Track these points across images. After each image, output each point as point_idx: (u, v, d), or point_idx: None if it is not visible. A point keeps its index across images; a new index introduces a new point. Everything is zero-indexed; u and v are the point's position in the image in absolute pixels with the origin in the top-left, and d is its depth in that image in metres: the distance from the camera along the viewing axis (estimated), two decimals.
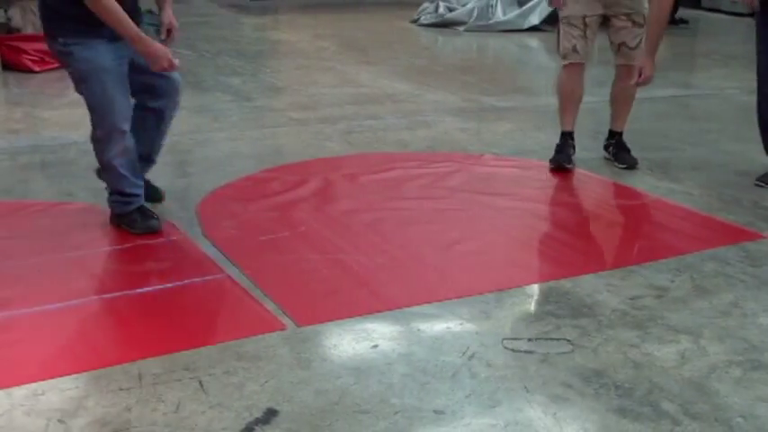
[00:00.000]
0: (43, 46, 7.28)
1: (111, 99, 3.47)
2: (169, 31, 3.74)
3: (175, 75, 3.70)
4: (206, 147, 4.90)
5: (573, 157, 4.72)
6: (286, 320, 2.92)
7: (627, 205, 4.26)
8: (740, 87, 6.78)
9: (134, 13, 3.50)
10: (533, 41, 9.74)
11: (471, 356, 2.70)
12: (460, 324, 2.91)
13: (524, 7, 10.39)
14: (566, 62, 4.64)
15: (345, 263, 3.40)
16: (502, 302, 3.09)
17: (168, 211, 3.92)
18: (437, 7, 10.78)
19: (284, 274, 3.31)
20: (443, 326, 2.90)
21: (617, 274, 3.35)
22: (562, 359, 2.69)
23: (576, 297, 3.14)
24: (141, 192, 3.72)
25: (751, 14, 4.74)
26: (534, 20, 10.22)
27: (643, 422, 2.36)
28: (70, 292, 3.10)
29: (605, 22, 4.64)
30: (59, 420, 2.33)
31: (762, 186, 4.38)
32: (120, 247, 3.56)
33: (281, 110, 6.00)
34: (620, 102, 4.79)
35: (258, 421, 2.34)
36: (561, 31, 4.65)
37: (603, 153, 4.89)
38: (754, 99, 4.55)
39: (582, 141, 4.87)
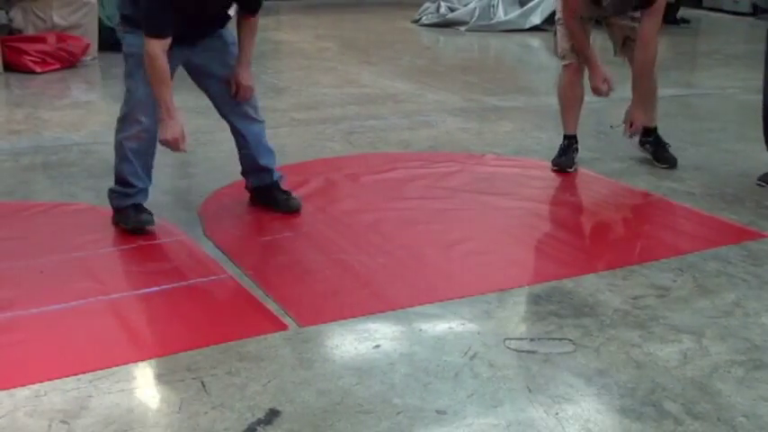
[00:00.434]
0: (44, 47, 7.37)
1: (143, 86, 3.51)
2: (237, 89, 3.72)
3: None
4: (208, 147, 4.90)
5: (576, 160, 4.71)
6: (288, 321, 2.92)
7: (628, 205, 4.25)
8: (742, 87, 6.76)
9: (216, 21, 3.59)
10: (535, 41, 9.73)
11: (473, 356, 2.70)
12: (462, 324, 2.91)
13: (526, 7, 10.38)
14: (564, 63, 4.64)
15: (347, 263, 3.40)
16: (504, 302, 3.09)
17: (170, 211, 3.92)
18: (438, 7, 10.78)
19: (286, 275, 3.31)
20: (445, 326, 2.90)
21: (619, 273, 3.35)
22: (564, 359, 2.69)
23: (578, 297, 3.13)
24: (142, 188, 3.71)
25: (753, 14, 4.72)
26: (536, 20, 10.20)
27: (645, 422, 2.36)
28: (72, 292, 3.10)
29: (604, 20, 4.65)
30: (62, 421, 2.33)
31: (763, 186, 4.37)
32: (122, 247, 3.56)
33: (283, 110, 6.00)
34: (642, 79, 4.50)
35: (260, 422, 2.34)
36: (558, 32, 4.65)
37: (638, 149, 4.83)
38: (755, 98, 4.53)
39: (584, 141, 4.86)
